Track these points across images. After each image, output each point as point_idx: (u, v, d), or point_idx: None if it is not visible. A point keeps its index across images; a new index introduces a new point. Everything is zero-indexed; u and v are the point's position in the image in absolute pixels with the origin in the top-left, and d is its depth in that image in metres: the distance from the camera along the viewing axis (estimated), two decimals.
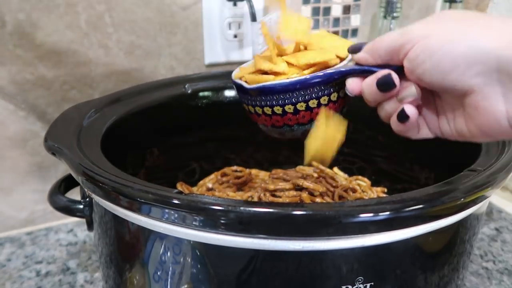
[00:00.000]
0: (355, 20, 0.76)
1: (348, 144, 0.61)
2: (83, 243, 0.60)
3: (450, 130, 0.31)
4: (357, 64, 0.34)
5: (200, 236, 0.31)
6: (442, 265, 0.36)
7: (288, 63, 0.36)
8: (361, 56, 0.33)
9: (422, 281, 0.35)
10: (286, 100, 0.35)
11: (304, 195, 0.47)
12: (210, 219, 0.30)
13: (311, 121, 0.36)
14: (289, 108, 0.36)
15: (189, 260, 0.33)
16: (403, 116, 0.31)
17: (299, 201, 0.47)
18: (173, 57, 0.65)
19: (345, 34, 0.76)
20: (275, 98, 0.35)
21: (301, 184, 0.49)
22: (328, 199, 0.49)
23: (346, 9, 0.75)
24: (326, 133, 0.36)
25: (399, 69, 0.31)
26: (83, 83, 0.60)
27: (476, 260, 0.57)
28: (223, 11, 0.65)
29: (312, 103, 0.35)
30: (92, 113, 0.46)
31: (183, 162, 0.59)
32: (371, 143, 0.58)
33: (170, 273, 0.34)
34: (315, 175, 0.54)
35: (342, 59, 0.36)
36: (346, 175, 0.60)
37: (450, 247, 0.36)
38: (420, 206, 0.30)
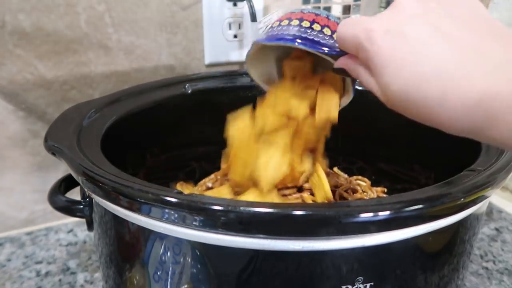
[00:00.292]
0: None
1: (348, 144, 0.61)
2: (83, 243, 0.60)
3: None
4: None
5: (200, 236, 0.31)
6: (442, 265, 0.36)
7: None
8: None
9: (422, 281, 0.35)
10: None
11: (305, 195, 0.47)
12: (210, 219, 0.30)
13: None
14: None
15: (189, 260, 0.33)
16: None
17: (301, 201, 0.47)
18: (173, 57, 0.65)
19: None
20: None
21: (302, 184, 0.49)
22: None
23: (346, 9, 0.75)
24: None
25: None
26: (83, 83, 0.60)
27: (476, 260, 0.57)
28: (223, 11, 0.65)
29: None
30: (92, 113, 0.46)
31: (183, 162, 0.59)
32: (371, 143, 0.58)
33: (170, 273, 0.34)
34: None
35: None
36: (346, 175, 0.60)
37: (450, 247, 0.36)
38: (420, 206, 0.30)
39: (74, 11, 0.57)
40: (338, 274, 0.32)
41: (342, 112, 0.40)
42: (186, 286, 0.34)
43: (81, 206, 0.41)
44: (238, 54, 0.68)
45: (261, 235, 0.30)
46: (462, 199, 0.32)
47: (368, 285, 0.32)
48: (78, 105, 0.48)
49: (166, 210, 0.30)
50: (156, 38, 0.63)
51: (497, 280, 0.54)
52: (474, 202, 0.33)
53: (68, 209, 0.41)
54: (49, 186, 0.42)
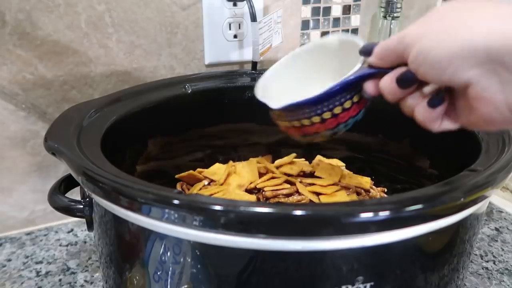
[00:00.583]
0: (355, 20, 0.76)
1: (348, 145, 0.61)
2: (83, 243, 0.60)
3: (467, 120, 0.32)
4: (369, 66, 0.35)
5: (200, 236, 0.31)
6: (442, 265, 0.36)
7: None
8: (372, 60, 0.34)
9: (422, 281, 0.35)
10: (312, 113, 0.37)
11: (310, 195, 0.48)
12: (210, 219, 0.30)
13: (338, 125, 0.38)
14: (316, 119, 0.37)
15: (189, 260, 0.33)
16: (437, 100, 0.31)
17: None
18: (173, 57, 0.65)
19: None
20: (300, 113, 0.37)
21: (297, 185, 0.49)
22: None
23: (346, 9, 0.75)
24: None
25: None
26: (83, 83, 0.60)
27: (476, 260, 0.57)
28: (223, 11, 0.65)
29: (337, 110, 0.37)
30: (92, 113, 0.46)
31: (183, 162, 0.59)
32: (371, 143, 0.58)
33: (170, 273, 0.34)
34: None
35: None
36: (351, 172, 0.60)
37: (450, 247, 0.36)
38: (420, 206, 0.30)
39: (74, 11, 0.57)
40: (338, 274, 0.32)
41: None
42: (186, 286, 0.34)
43: (81, 206, 0.41)
44: (238, 54, 0.68)
45: (261, 235, 0.30)
46: (462, 199, 0.32)
47: (368, 285, 0.32)
48: (78, 105, 0.48)
49: (166, 210, 0.30)
50: (156, 38, 0.63)
51: (497, 280, 0.54)
52: (474, 202, 0.33)
53: (68, 209, 0.41)
54: (49, 186, 0.42)
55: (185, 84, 0.56)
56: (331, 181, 0.50)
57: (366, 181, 0.55)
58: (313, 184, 0.50)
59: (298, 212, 0.29)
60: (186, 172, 0.55)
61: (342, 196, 0.48)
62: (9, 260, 0.57)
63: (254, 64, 0.63)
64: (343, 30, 0.76)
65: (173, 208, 0.30)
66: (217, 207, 0.29)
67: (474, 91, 0.28)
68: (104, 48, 0.60)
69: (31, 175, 0.61)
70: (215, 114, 0.58)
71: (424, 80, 0.31)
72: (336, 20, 0.75)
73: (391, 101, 0.34)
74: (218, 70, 0.67)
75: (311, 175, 0.54)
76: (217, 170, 0.56)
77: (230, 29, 0.66)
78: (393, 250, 0.32)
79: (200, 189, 0.53)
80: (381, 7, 0.72)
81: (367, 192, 0.53)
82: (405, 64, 0.31)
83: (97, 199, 0.36)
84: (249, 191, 0.50)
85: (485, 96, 0.28)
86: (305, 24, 0.73)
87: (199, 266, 0.33)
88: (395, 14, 0.71)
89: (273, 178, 0.51)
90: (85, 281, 0.53)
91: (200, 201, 0.30)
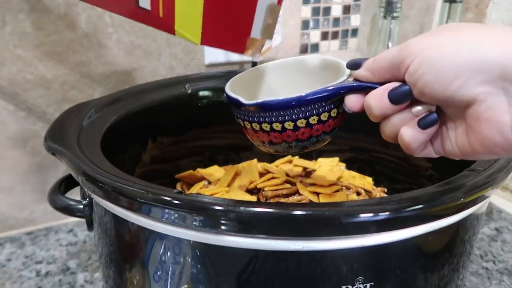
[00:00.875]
0: (355, 20, 0.76)
1: (348, 145, 0.61)
2: (83, 243, 0.60)
3: (453, 148, 0.30)
4: (356, 80, 0.32)
5: (200, 236, 0.31)
6: (442, 265, 0.36)
7: None
8: (361, 73, 0.32)
9: (422, 281, 0.35)
10: (286, 117, 0.33)
11: (310, 195, 0.48)
12: (210, 219, 0.30)
13: (310, 137, 0.35)
14: (289, 125, 0.34)
15: (189, 260, 0.33)
16: (430, 120, 0.29)
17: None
18: (173, 57, 0.65)
19: (345, 34, 0.76)
20: (274, 114, 0.33)
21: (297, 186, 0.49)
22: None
23: (346, 9, 0.75)
24: None
25: None
26: (83, 83, 0.60)
27: (476, 260, 0.57)
28: None
29: (313, 120, 0.34)
30: (92, 113, 0.46)
31: (183, 162, 0.59)
32: (371, 143, 0.58)
33: (170, 273, 0.34)
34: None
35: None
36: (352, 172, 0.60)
37: (450, 247, 0.36)
38: (420, 206, 0.30)
39: (74, 11, 0.57)
40: (338, 274, 0.32)
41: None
42: (186, 286, 0.34)
43: (81, 206, 0.41)
44: (238, 54, 0.68)
45: (261, 235, 0.30)
46: (462, 199, 0.32)
47: (368, 285, 0.32)
48: (78, 105, 0.48)
49: (166, 210, 0.30)
50: (156, 38, 0.63)
51: (497, 280, 0.54)
52: (474, 202, 0.33)
53: (68, 209, 0.41)
54: (49, 186, 0.42)
55: (185, 84, 0.56)
56: (331, 181, 0.50)
57: (368, 182, 0.55)
58: (313, 184, 0.50)
59: (298, 212, 0.29)
60: (186, 172, 0.55)
61: (342, 196, 0.48)
62: (9, 260, 0.57)
63: (254, 64, 0.63)
64: (343, 30, 0.76)
65: (173, 208, 0.30)
66: (217, 207, 0.29)
67: (477, 110, 0.26)
68: (104, 48, 0.60)
69: (31, 175, 0.61)
70: (215, 114, 0.58)
71: (419, 96, 0.29)
72: (336, 20, 0.75)
73: (375, 118, 0.31)
74: (218, 70, 0.67)
75: (311, 175, 0.54)
76: (215, 172, 0.56)
77: None
78: (393, 250, 0.32)
79: (200, 188, 0.53)
80: (381, 7, 0.72)
81: (367, 192, 0.53)
82: (397, 80, 0.29)
83: (97, 199, 0.36)
84: (249, 191, 0.50)
85: (489, 117, 0.26)
86: (305, 24, 0.73)
87: (199, 266, 0.33)
88: (395, 14, 0.71)
89: (273, 178, 0.51)
90: (85, 281, 0.53)
91: (200, 201, 0.30)
